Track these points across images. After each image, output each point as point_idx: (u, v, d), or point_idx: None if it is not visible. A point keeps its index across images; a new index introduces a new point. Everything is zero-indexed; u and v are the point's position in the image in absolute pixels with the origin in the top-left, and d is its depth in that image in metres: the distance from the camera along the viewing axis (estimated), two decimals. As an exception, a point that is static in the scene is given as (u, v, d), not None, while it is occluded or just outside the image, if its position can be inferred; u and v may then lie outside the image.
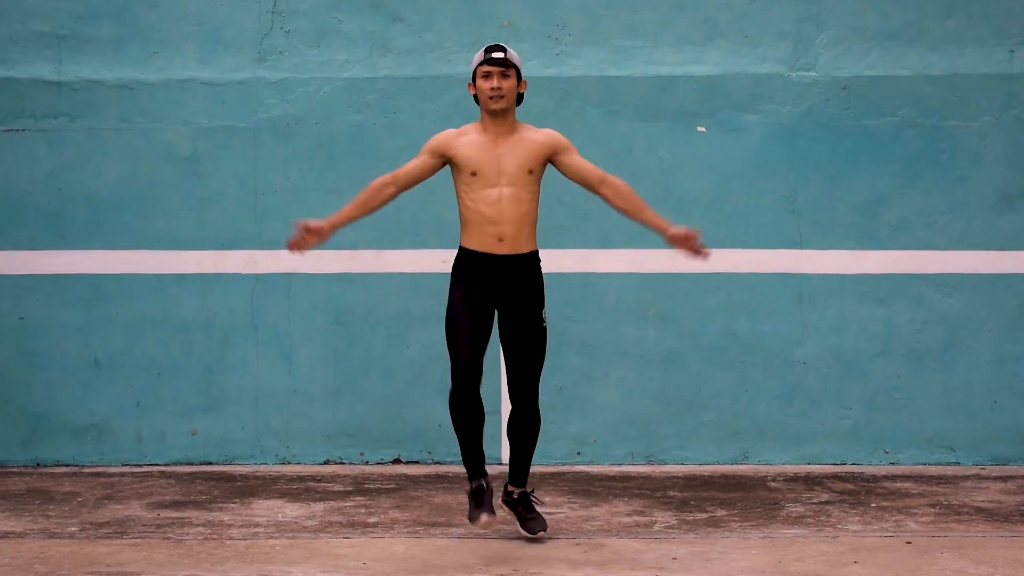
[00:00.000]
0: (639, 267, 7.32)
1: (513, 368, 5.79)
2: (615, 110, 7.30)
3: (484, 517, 5.66)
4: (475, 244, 5.71)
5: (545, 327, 5.80)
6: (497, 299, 5.74)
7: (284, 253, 7.33)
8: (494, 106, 5.66)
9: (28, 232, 7.33)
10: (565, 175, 5.86)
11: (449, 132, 5.80)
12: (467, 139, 5.73)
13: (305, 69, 7.32)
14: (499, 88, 5.65)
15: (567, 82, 7.26)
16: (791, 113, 7.30)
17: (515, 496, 5.92)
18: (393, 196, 5.82)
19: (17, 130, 7.33)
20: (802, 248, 7.31)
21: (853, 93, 7.28)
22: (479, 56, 5.71)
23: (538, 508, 5.99)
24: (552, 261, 7.15)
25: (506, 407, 7.26)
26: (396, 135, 7.27)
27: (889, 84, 7.28)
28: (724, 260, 7.31)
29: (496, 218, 5.67)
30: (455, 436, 5.79)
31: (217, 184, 7.34)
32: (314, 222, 5.79)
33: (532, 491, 5.96)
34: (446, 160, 5.77)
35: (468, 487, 5.77)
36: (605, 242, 7.31)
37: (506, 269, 5.71)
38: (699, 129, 7.33)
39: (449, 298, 5.75)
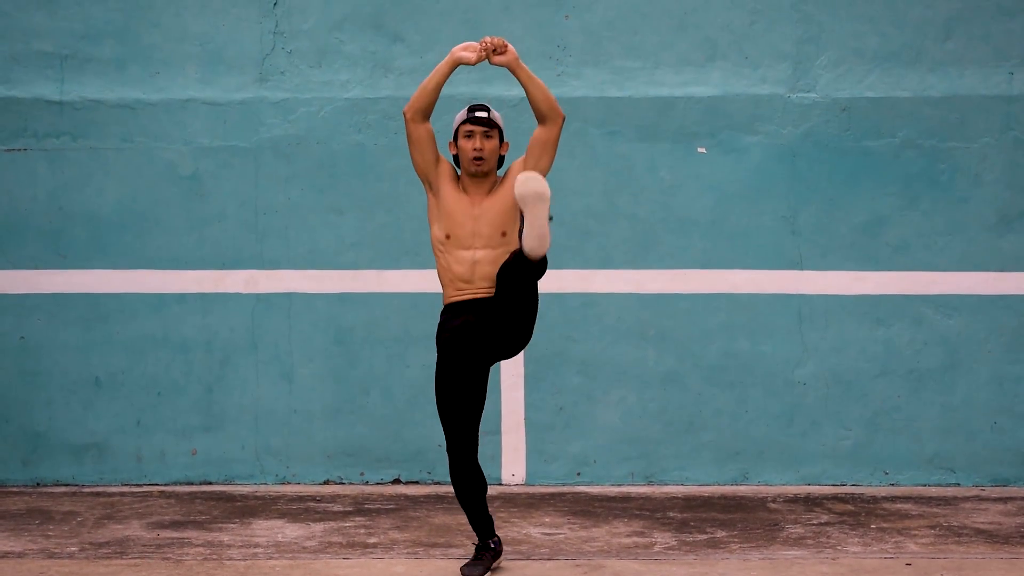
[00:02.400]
0: (639, 287, 7.33)
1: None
2: (616, 130, 7.32)
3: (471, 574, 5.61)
4: (454, 297, 5.57)
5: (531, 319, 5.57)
6: (477, 339, 5.54)
7: (285, 273, 7.35)
8: (475, 168, 5.53)
9: (29, 251, 7.34)
10: (539, 161, 5.57)
11: (451, 168, 5.65)
12: (454, 191, 5.58)
13: (306, 89, 7.34)
14: (481, 150, 5.52)
15: (568, 103, 7.27)
16: (791, 134, 7.31)
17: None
18: (423, 107, 5.54)
19: (19, 149, 7.34)
20: (802, 269, 7.32)
21: (853, 114, 7.30)
22: (461, 115, 5.58)
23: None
24: (552, 281, 7.17)
25: (506, 427, 7.27)
26: (397, 155, 7.29)
27: (889, 105, 7.30)
28: (724, 280, 7.32)
29: (469, 277, 5.54)
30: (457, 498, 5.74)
31: (218, 204, 7.35)
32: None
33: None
34: (432, 176, 5.60)
35: (476, 541, 5.82)
36: (605, 262, 7.32)
37: (481, 310, 5.52)
38: (699, 150, 7.34)
39: (437, 367, 5.60)
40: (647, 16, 7.32)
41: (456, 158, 5.62)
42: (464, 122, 5.56)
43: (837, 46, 7.31)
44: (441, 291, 5.77)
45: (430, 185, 5.62)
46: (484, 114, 5.56)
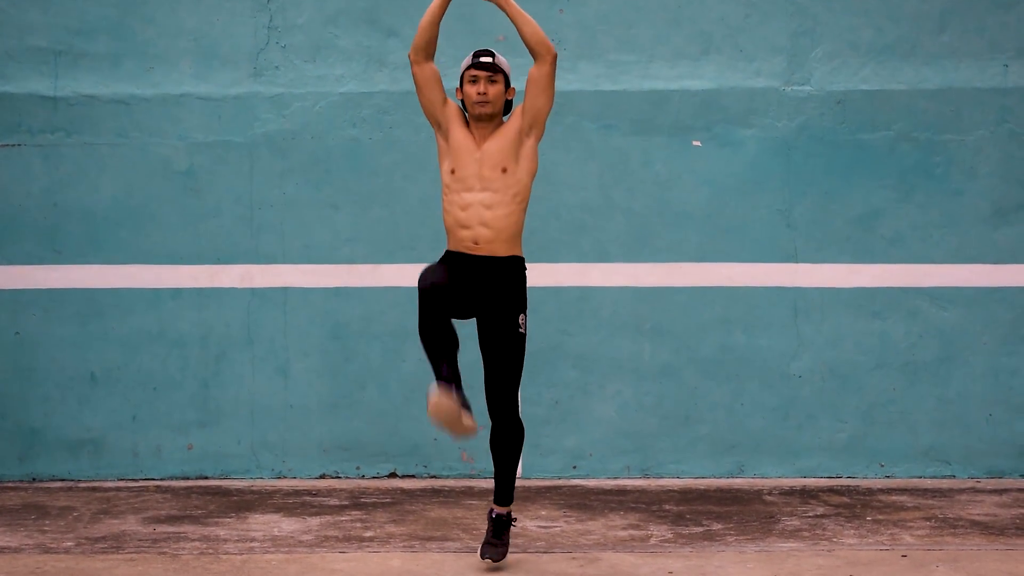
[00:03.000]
0: (635, 281, 7.33)
1: (489, 376, 5.64)
2: (611, 124, 7.32)
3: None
4: (453, 246, 5.68)
5: (523, 334, 5.65)
6: (475, 298, 5.62)
7: (280, 267, 7.35)
8: (479, 111, 5.63)
9: (24, 247, 7.34)
10: (541, 97, 5.61)
11: (459, 110, 5.73)
12: (462, 131, 5.68)
13: (301, 84, 7.34)
14: (485, 93, 5.62)
15: (563, 96, 7.27)
16: (786, 127, 7.31)
17: (491, 516, 5.75)
18: (427, 40, 5.62)
19: (13, 145, 7.34)
20: (797, 262, 7.32)
21: (848, 107, 7.30)
22: (467, 61, 5.69)
23: (512, 532, 5.84)
24: (548, 275, 7.17)
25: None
26: (392, 150, 7.29)
27: (884, 98, 7.30)
28: (719, 274, 7.32)
29: (468, 222, 5.62)
30: (427, 357, 5.55)
31: (213, 199, 7.35)
32: None
33: (514, 519, 5.78)
34: (441, 117, 5.67)
35: (438, 384, 5.44)
36: (601, 256, 7.32)
37: (483, 269, 5.62)
38: (694, 143, 7.34)
39: (430, 266, 5.54)
40: (641, 9, 7.32)
41: (463, 103, 5.72)
42: (469, 67, 5.65)
43: (832, 39, 7.31)
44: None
45: (438, 124, 5.72)
46: (488, 59, 5.65)
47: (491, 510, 5.78)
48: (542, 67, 5.62)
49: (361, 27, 7.34)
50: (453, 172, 5.65)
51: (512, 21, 5.62)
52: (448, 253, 5.72)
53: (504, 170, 5.63)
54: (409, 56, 5.70)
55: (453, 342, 5.51)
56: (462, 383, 5.49)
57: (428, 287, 5.43)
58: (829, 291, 7.32)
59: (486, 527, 5.87)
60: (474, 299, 5.64)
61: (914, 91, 7.29)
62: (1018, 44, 7.29)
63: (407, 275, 7.29)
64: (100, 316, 7.34)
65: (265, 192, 7.35)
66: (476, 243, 5.63)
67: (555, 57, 5.62)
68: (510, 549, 5.91)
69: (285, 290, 7.35)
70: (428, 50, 5.68)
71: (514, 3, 5.61)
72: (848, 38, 7.31)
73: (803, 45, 7.32)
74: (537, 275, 7.28)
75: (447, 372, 5.45)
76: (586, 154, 7.33)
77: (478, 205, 5.62)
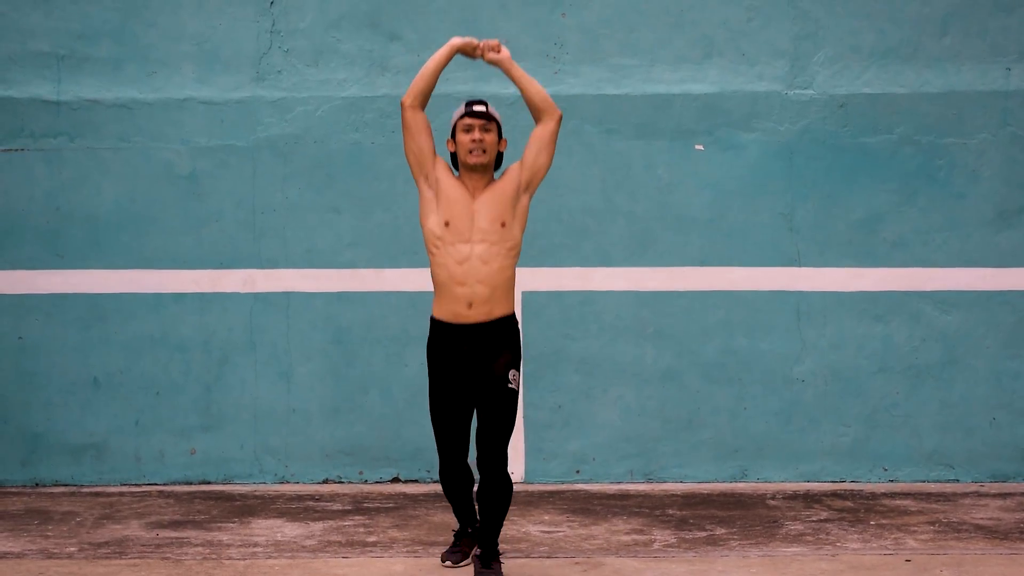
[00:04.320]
0: (637, 285, 7.33)
1: (482, 436, 5.55)
2: (613, 128, 7.32)
3: (448, 563, 5.77)
4: (444, 313, 5.53)
5: (514, 389, 5.55)
6: (469, 368, 5.53)
7: (283, 272, 7.35)
8: (473, 160, 5.50)
9: (27, 251, 7.34)
10: (539, 160, 5.58)
11: (448, 165, 5.63)
12: (452, 182, 5.55)
13: (303, 88, 7.34)
14: (481, 140, 5.50)
15: (565, 100, 7.27)
16: (788, 131, 7.31)
17: (478, 553, 5.67)
18: (421, 93, 5.57)
19: (16, 150, 7.34)
20: (800, 266, 7.32)
21: (850, 111, 7.30)
22: (459, 111, 5.57)
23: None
24: (551, 279, 7.17)
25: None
26: (394, 154, 7.29)
27: (886, 102, 7.30)
28: (722, 278, 7.32)
29: (464, 278, 5.48)
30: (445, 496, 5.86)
31: (215, 203, 7.35)
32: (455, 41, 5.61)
33: (499, 556, 5.65)
34: (428, 170, 5.54)
35: (455, 527, 5.89)
36: (604, 260, 7.32)
37: (478, 338, 5.51)
38: (697, 147, 7.34)
39: (429, 377, 5.59)
40: (644, 13, 7.32)
41: (454, 157, 5.60)
42: (462, 116, 5.55)
43: (834, 43, 7.31)
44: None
45: (426, 177, 5.57)
46: (482, 108, 5.56)
47: (476, 550, 5.73)
48: (547, 126, 5.58)
49: (363, 31, 7.34)
50: (447, 224, 5.50)
51: (516, 83, 5.58)
52: (438, 328, 5.55)
53: (503, 224, 5.53)
54: (403, 102, 5.56)
55: (469, 484, 5.77)
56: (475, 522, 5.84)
57: (448, 450, 5.60)
58: (832, 295, 7.32)
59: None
60: (470, 368, 5.54)
61: (916, 94, 7.29)
62: (1020, 47, 7.29)
63: (410, 280, 7.29)
64: (103, 321, 7.34)
65: (267, 196, 7.35)
66: (471, 306, 5.49)
67: (560, 118, 5.60)
68: (514, 554, 5.92)
69: (288, 294, 7.35)
70: (425, 98, 5.58)
71: (518, 66, 5.58)
72: (850, 42, 7.31)
73: (805, 49, 7.32)
74: (539, 279, 7.29)
75: (463, 524, 5.83)
76: (588, 158, 7.33)
77: (475, 259, 5.49)
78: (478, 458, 5.58)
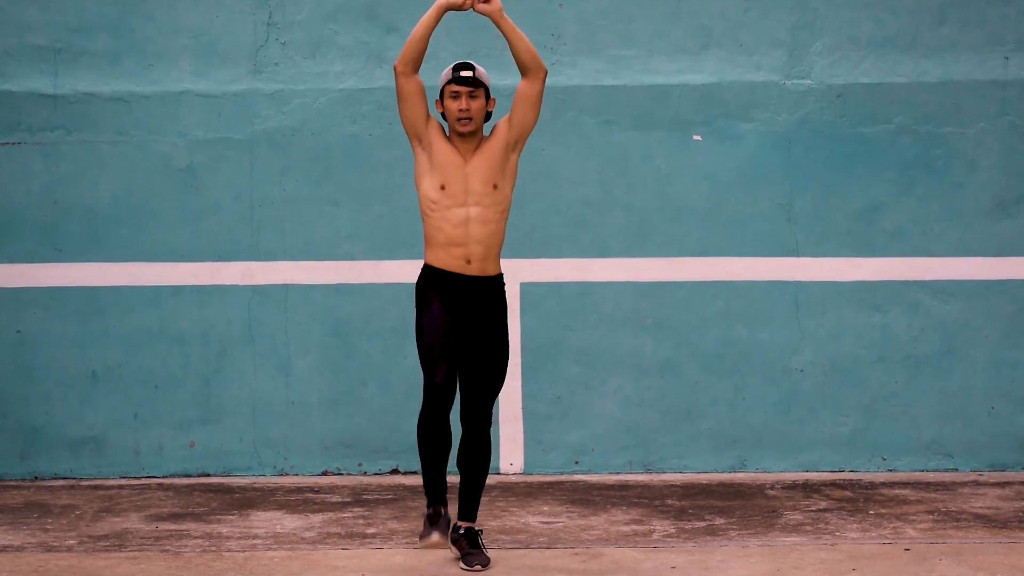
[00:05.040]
0: (636, 276, 7.32)
1: (468, 391, 5.59)
2: (611, 119, 7.31)
3: (435, 536, 5.51)
4: (441, 263, 5.57)
5: (507, 350, 5.63)
6: (465, 319, 5.57)
7: (281, 264, 7.35)
8: (462, 128, 5.53)
9: (25, 245, 7.33)
10: (527, 116, 5.58)
11: (440, 127, 5.64)
12: (446, 146, 5.58)
13: (301, 80, 7.33)
14: (467, 110, 5.52)
15: (563, 92, 7.27)
16: (787, 121, 7.31)
17: (461, 531, 5.67)
18: (411, 59, 5.53)
19: (13, 143, 7.33)
20: (798, 256, 7.32)
21: (848, 100, 7.30)
22: (446, 74, 5.57)
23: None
24: (549, 270, 7.17)
25: (504, 417, 7.27)
26: (392, 146, 7.28)
27: (884, 91, 7.29)
28: (720, 268, 7.31)
29: (463, 240, 5.54)
30: (419, 458, 5.71)
31: (213, 196, 7.34)
32: None
33: (480, 531, 5.69)
34: (423, 132, 5.55)
35: (425, 510, 5.60)
36: (602, 251, 7.32)
37: (474, 290, 5.57)
38: (695, 138, 7.34)
39: (420, 314, 5.58)
40: (641, 4, 7.31)
41: (443, 116, 5.63)
42: (449, 81, 5.55)
43: (832, 32, 7.30)
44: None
45: (419, 140, 5.59)
46: (469, 73, 5.55)
47: (458, 525, 5.69)
48: (534, 84, 5.58)
49: (360, 23, 7.33)
50: (443, 188, 5.53)
51: (505, 37, 5.56)
52: (433, 272, 5.59)
53: (495, 186, 5.56)
54: (396, 67, 5.55)
55: (447, 445, 5.54)
56: (447, 494, 5.62)
57: (438, 386, 5.46)
58: (830, 285, 7.32)
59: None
60: (465, 319, 5.57)
61: (914, 84, 7.28)
62: (1018, 36, 7.29)
63: (408, 271, 7.29)
64: (101, 314, 7.34)
65: (265, 189, 7.34)
66: (468, 262, 5.56)
67: (546, 74, 5.60)
68: (513, 544, 5.91)
69: (286, 287, 7.34)
70: (417, 62, 5.55)
71: (508, 19, 5.56)
72: (848, 31, 7.30)
73: (803, 38, 7.31)
74: (538, 271, 7.29)
75: (436, 497, 5.54)
76: (586, 149, 7.32)
77: (472, 222, 5.54)
78: (463, 415, 5.61)
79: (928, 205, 7.30)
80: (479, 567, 5.53)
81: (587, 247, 7.33)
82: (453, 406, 5.55)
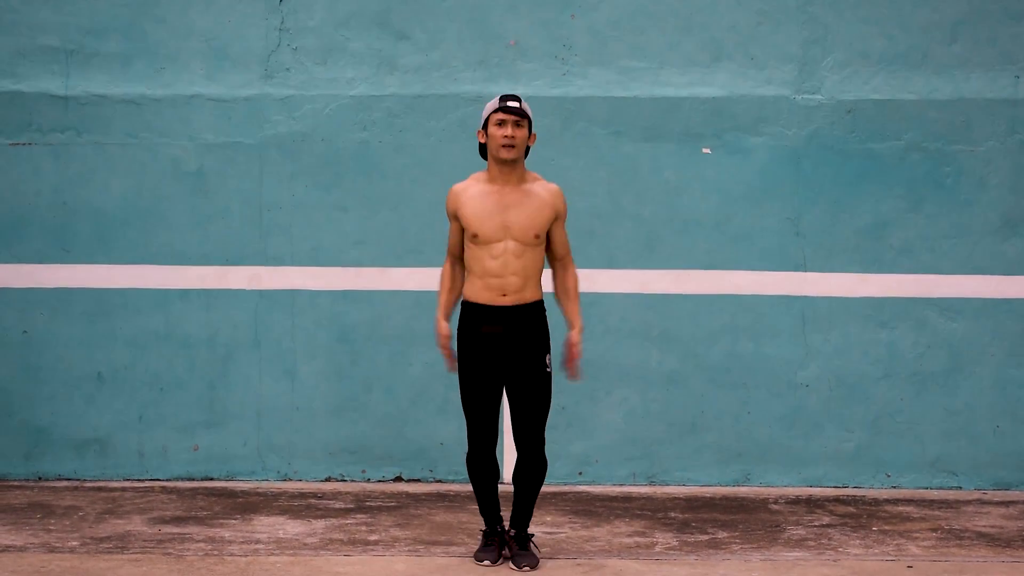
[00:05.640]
0: (643, 288, 7.32)
1: (518, 415, 5.77)
2: (621, 131, 7.31)
3: (486, 561, 5.82)
4: (478, 297, 5.73)
5: (550, 372, 5.78)
6: (502, 351, 5.73)
7: (288, 269, 7.35)
8: (505, 155, 5.66)
9: (33, 246, 7.34)
10: (554, 236, 5.87)
11: (456, 188, 5.80)
12: (473, 192, 5.74)
13: (312, 86, 7.34)
14: (512, 137, 5.66)
15: (573, 102, 7.28)
16: (796, 136, 7.31)
17: (511, 534, 5.88)
18: (462, 268, 5.85)
19: (24, 144, 7.35)
20: (806, 271, 7.32)
21: (858, 116, 7.30)
22: (493, 104, 5.70)
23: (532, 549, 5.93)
24: (556, 281, 7.15)
25: (509, 426, 7.27)
26: (402, 153, 7.29)
27: (894, 108, 7.29)
28: (728, 281, 7.31)
29: (499, 272, 5.70)
30: (472, 490, 6.03)
31: (222, 200, 7.35)
32: (444, 332, 5.79)
33: (531, 536, 5.91)
34: (457, 219, 5.80)
35: (483, 527, 5.96)
36: (610, 262, 7.32)
37: (511, 320, 5.71)
38: (704, 151, 7.34)
39: (459, 360, 5.78)
40: (653, 16, 7.31)
41: (483, 147, 5.76)
42: (496, 111, 5.68)
43: (843, 48, 7.30)
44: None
45: (456, 218, 5.80)
46: (516, 104, 5.69)
47: (509, 530, 5.88)
48: (556, 253, 5.90)
49: (372, 30, 7.34)
50: (476, 236, 5.71)
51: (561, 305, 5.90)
52: (470, 308, 5.76)
53: (536, 236, 5.73)
54: (448, 260, 5.88)
55: (495, 477, 5.86)
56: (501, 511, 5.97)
57: (479, 434, 5.76)
58: (837, 300, 7.31)
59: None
60: (503, 350, 5.74)
61: (925, 101, 7.28)
62: (1030, 55, 7.29)
63: (415, 279, 7.30)
64: (108, 316, 7.35)
65: (274, 194, 7.35)
66: (504, 294, 5.71)
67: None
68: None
69: (293, 292, 7.35)
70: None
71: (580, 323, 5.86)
72: (859, 47, 7.30)
73: (814, 54, 7.31)
74: (545, 281, 7.28)
75: (491, 519, 5.90)
76: (595, 160, 7.33)
77: (508, 255, 5.70)
78: (516, 439, 5.80)
79: (936, 222, 7.30)
80: (527, 568, 5.74)
81: (595, 258, 7.32)
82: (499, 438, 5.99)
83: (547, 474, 7.29)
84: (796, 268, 7.31)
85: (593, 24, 7.32)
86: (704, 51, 7.32)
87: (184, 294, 7.36)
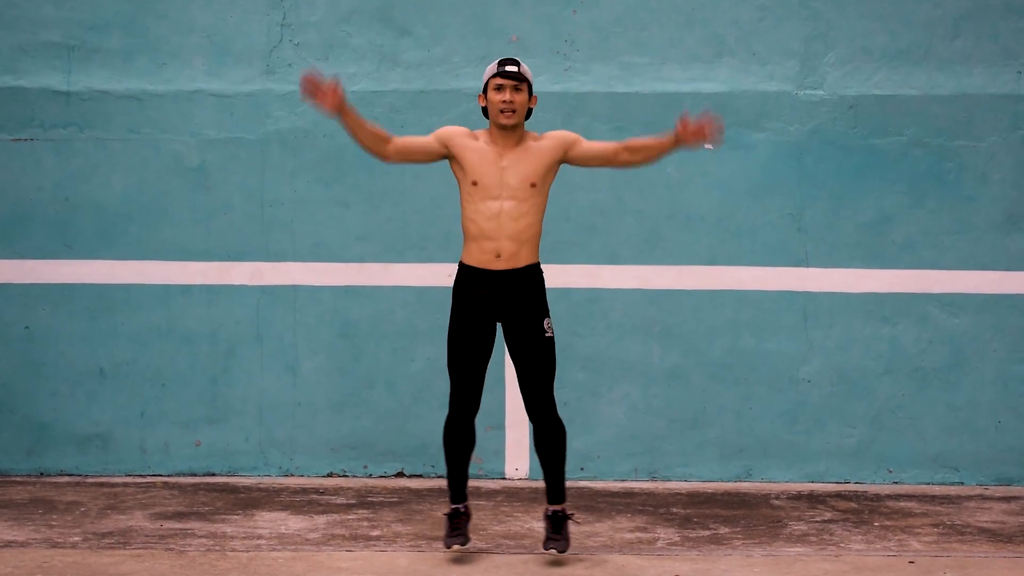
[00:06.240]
0: (645, 283, 7.32)
1: (525, 382, 5.77)
2: (622, 126, 7.31)
3: (455, 545, 5.81)
4: (473, 260, 5.73)
5: (550, 337, 5.76)
6: (498, 315, 5.74)
7: (290, 265, 7.35)
8: (504, 120, 5.68)
9: (35, 241, 7.35)
10: (586, 165, 5.87)
11: (461, 129, 5.82)
12: (475, 144, 5.74)
13: (313, 82, 7.33)
14: (511, 102, 5.67)
15: (575, 98, 7.27)
16: (798, 131, 7.30)
17: (548, 514, 5.85)
18: (384, 153, 5.79)
19: (25, 139, 7.35)
20: (808, 266, 7.31)
21: (860, 112, 7.29)
22: (492, 68, 5.72)
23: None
24: (558, 276, 7.16)
25: (510, 422, 7.27)
26: (403, 149, 7.28)
27: (896, 103, 7.28)
28: (730, 277, 7.31)
29: (494, 233, 5.69)
30: (443, 457, 5.92)
31: (224, 196, 7.35)
32: (337, 88, 5.65)
33: (571, 514, 5.88)
34: (447, 153, 5.77)
35: (447, 509, 5.89)
36: (611, 258, 7.32)
37: (504, 284, 5.71)
38: (706, 146, 7.33)
39: (450, 320, 5.78)
40: (655, 12, 7.31)
41: (484, 110, 5.77)
42: (494, 75, 5.70)
43: (845, 43, 7.30)
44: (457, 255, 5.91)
45: (451, 158, 5.77)
46: (514, 68, 5.69)
47: (546, 509, 5.85)
48: (613, 161, 5.82)
49: (374, 26, 7.34)
50: (475, 183, 5.69)
51: (657, 156, 5.88)
52: (464, 270, 5.75)
53: (533, 185, 5.71)
54: (388, 151, 5.79)
55: (470, 446, 5.86)
56: (467, 485, 5.92)
57: (462, 396, 5.74)
58: (839, 296, 7.31)
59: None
60: (498, 314, 5.74)
61: (927, 96, 7.28)
62: (1032, 51, 7.29)
63: (417, 274, 7.30)
64: (110, 311, 7.35)
65: (276, 189, 7.35)
66: (498, 256, 5.69)
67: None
68: (518, 550, 5.91)
69: (295, 288, 7.35)
70: (391, 154, 5.81)
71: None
72: (861, 43, 7.30)
73: (816, 49, 7.31)
74: (547, 276, 7.26)
75: (457, 495, 5.84)
76: (597, 156, 7.32)
77: (504, 216, 5.68)
78: (528, 409, 5.78)
79: (938, 218, 7.29)
80: (553, 551, 5.75)
81: (597, 254, 7.33)
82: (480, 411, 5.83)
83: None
84: (798, 264, 7.31)
85: (595, 19, 7.32)
86: (706, 47, 7.32)
87: (186, 290, 7.36)
